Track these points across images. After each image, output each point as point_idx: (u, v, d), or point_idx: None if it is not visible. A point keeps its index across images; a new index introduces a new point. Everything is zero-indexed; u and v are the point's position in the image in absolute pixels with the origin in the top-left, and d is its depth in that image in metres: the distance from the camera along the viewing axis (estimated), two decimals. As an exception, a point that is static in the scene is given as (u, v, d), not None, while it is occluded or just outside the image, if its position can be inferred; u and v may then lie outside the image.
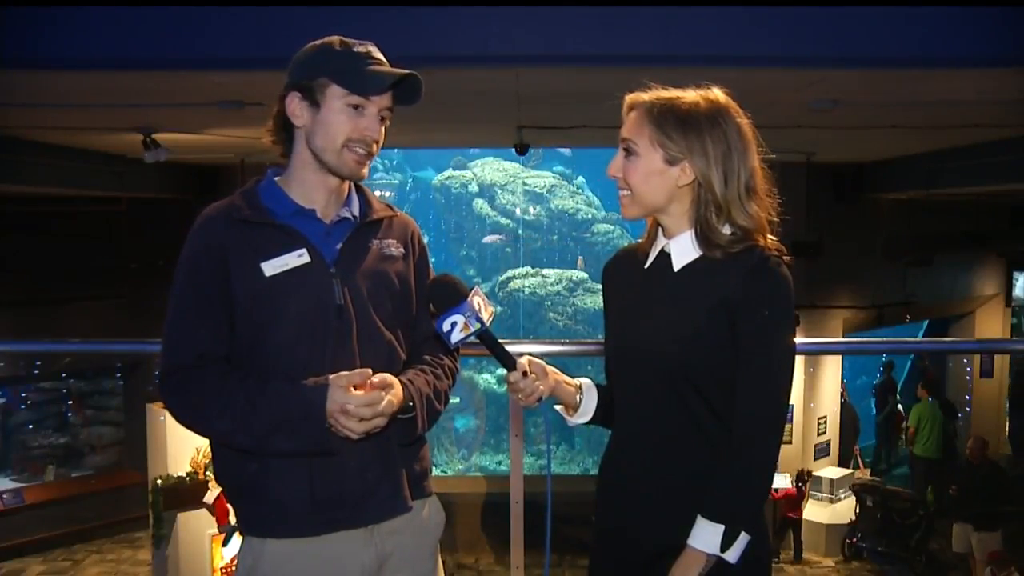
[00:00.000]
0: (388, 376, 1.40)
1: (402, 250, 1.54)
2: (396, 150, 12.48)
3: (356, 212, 1.51)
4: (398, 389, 1.40)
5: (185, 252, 1.44)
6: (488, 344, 1.42)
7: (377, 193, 1.63)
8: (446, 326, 1.38)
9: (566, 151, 12.26)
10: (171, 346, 1.42)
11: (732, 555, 1.33)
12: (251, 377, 1.39)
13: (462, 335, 1.38)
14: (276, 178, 1.50)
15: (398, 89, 1.43)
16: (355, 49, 1.42)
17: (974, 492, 6.39)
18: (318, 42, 1.44)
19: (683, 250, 1.41)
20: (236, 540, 5.03)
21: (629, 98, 1.43)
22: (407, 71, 1.42)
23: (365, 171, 1.47)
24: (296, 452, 1.39)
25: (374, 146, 1.45)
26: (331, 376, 1.36)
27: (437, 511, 1.61)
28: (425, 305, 1.56)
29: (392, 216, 1.56)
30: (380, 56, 1.44)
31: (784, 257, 1.38)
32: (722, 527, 1.32)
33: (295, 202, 1.46)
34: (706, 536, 1.32)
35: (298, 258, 1.42)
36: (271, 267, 1.41)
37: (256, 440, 1.37)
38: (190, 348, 1.39)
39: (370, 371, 1.38)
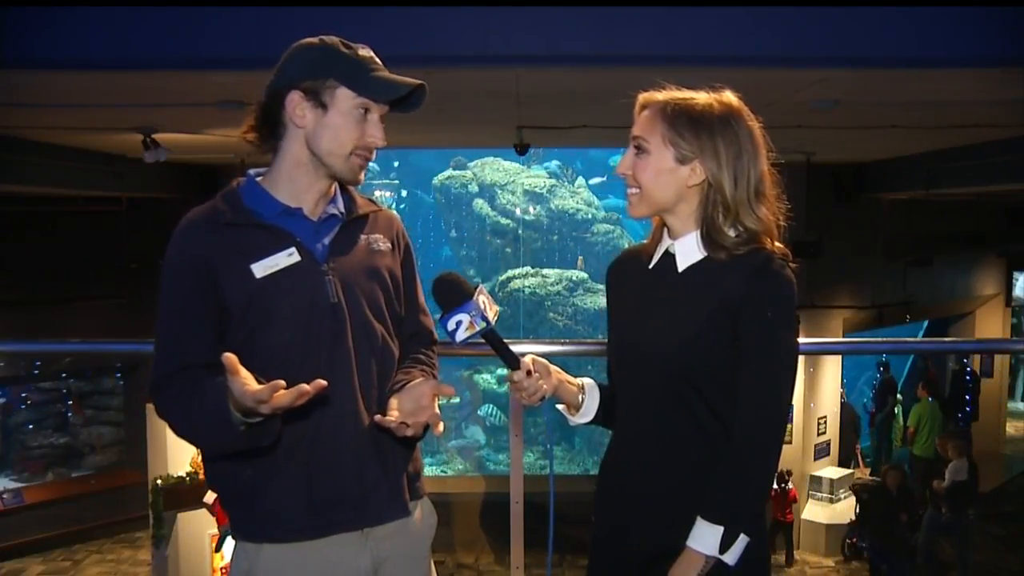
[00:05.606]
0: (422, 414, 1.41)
1: (389, 245, 1.52)
2: (396, 150, 12.46)
3: (342, 208, 1.48)
4: (432, 416, 1.41)
5: (168, 259, 1.40)
6: (493, 343, 1.41)
7: (376, 193, 1.62)
8: (451, 325, 1.37)
9: (565, 152, 12.25)
10: (159, 356, 1.40)
11: (731, 557, 1.33)
12: (207, 382, 1.33)
13: (467, 334, 1.37)
14: (258, 179, 1.45)
15: (403, 97, 1.42)
16: (360, 52, 1.39)
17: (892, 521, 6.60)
18: (315, 40, 1.40)
19: (688, 251, 1.41)
20: (230, 543, 4.97)
21: (642, 97, 1.42)
22: (419, 81, 1.40)
23: (363, 176, 1.47)
24: (242, 453, 1.35)
25: (375, 152, 1.45)
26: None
27: (430, 512, 1.59)
28: (414, 301, 1.56)
29: (377, 211, 1.55)
30: (379, 60, 1.42)
31: (790, 263, 1.38)
32: (721, 528, 1.32)
33: (281, 202, 1.42)
34: (705, 537, 1.32)
35: (288, 257, 1.39)
36: (262, 268, 1.38)
37: (211, 446, 1.39)
38: (176, 358, 1.37)
39: (283, 383, 1.21)
